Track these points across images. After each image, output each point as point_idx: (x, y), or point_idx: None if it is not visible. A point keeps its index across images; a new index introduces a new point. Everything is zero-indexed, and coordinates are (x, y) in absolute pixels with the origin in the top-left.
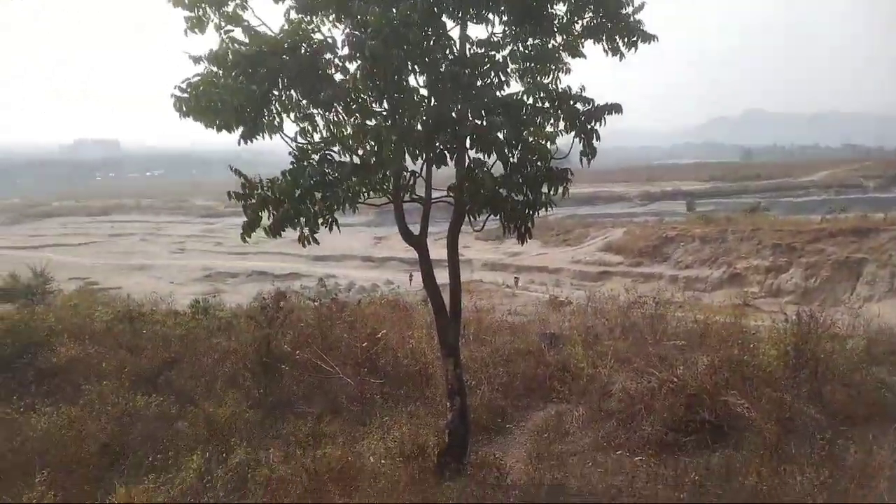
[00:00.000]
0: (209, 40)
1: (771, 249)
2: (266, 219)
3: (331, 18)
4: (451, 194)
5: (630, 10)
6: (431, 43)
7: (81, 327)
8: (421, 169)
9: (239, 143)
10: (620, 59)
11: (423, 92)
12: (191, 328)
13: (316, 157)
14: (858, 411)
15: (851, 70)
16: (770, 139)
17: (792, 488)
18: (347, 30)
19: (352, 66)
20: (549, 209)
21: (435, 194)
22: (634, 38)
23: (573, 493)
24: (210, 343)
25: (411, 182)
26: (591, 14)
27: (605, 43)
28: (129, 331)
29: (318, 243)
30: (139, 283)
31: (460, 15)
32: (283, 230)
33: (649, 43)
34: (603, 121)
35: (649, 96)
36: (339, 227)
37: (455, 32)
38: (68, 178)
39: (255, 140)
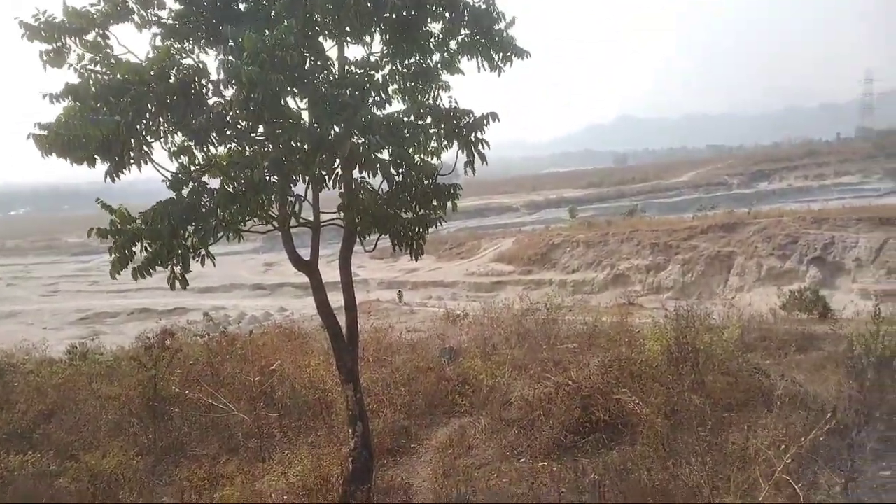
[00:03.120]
0: (68, 74)
1: (650, 249)
2: (139, 253)
3: (201, 44)
4: (339, 216)
5: (503, 25)
6: (309, 65)
7: None
8: (305, 192)
9: (105, 180)
10: (499, 74)
11: (304, 115)
12: (68, 376)
13: (190, 186)
14: (737, 397)
15: (720, 74)
16: (642, 143)
17: (681, 480)
18: (220, 55)
19: (227, 92)
20: (440, 224)
21: (324, 217)
22: (509, 54)
23: None
24: (91, 390)
25: (296, 206)
26: (465, 31)
27: (480, 59)
28: None
29: (186, 286)
30: (8, 332)
31: (338, 35)
32: (154, 269)
33: (523, 58)
34: (483, 130)
35: (529, 107)
36: (213, 261)
37: (333, 53)
38: None
39: (122, 175)
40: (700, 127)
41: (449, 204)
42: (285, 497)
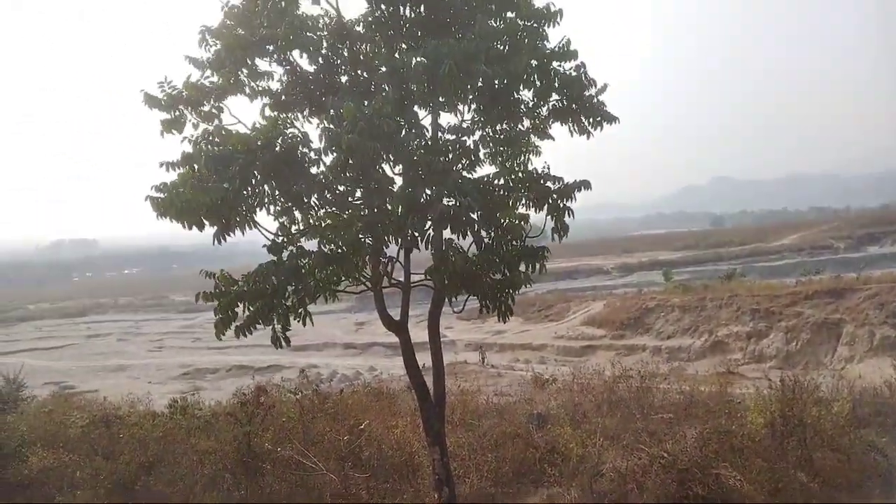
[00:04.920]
0: (182, 143)
1: (750, 315)
2: (242, 313)
3: (305, 114)
4: (428, 277)
5: (594, 91)
6: (404, 133)
7: (55, 434)
8: (398, 254)
9: (214, 243)
10: (588, 138)
11: (398, 179)
12: (168, 429)
13: (290, 248)
14: (849, 476)
15: (824, 133)
16: (738, 205)
17: None
18: (322, 124)
19: (327, 159)
20: (527, 286)
21: (415, 278)
22: (599, 119)
23: None
24: (189, 444)
25: (389, 268)
26: (556, 97)
27: (571, 124)
28: (106, 435)
29: (289, 344)
30: (116, 385)
31: (431, 105)
32: (253, 329)
33: (612, 123)
34: (573, 197)
35: (620, 168)
36: (311, 321)
37: (427, 121)
38: (44, 280)
39: (227, 238)
40: (801, 188)
41: (537, 266)
42: None
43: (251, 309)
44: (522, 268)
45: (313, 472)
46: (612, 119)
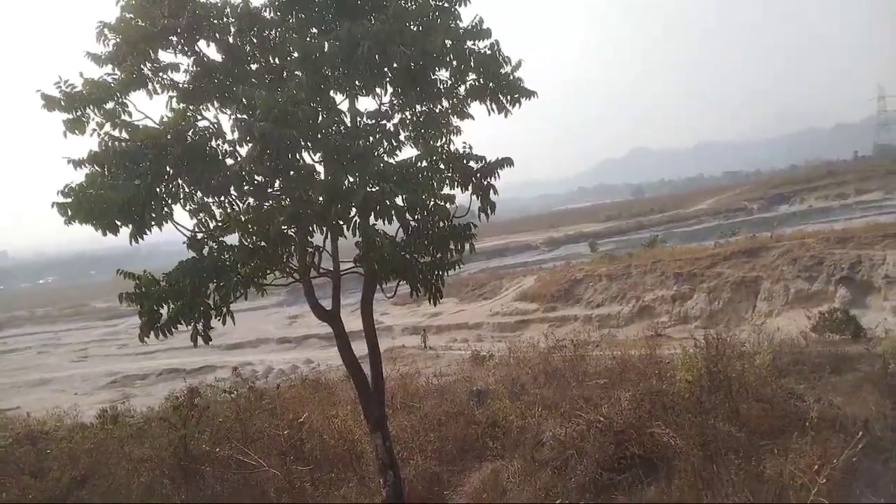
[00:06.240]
0: (90, 140)
1: (673, 279)
2: (166, 314)
3: (215, 105)
4: (358, 265)
5: (509, 68)
6: (321, 119)
7: None
8: (324, 243)
9: (130, 243)
10: (506, 115)
11: (318, 167)
12: (100, 440)
13: (210, 244)
14: (773, 424)
15: (731, 100)
16: (656, 174)
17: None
18: (234, 115)
19: (242, 150)
20: (458, 266)
21: (344, 266)
22: (516, 95)
23: None
24: (123, 453)
25: (316, 258)
26: (473, 77)
27: (489, 103)
28: (32, 452)
29: (209, 341)
30: (40, 400)
31: (348, 89)
32: (174, 329)
33: (530, 98)
34: (497, 175)
35: (542, 146)
36: (233, 320)
37: (344, 105)
38: None
39: (143, 237)
40: (714, 154)
41: (466, 245)
42: None
43: (172, 308)
44: (452, 247)
45: (255, 469)
46: (529, 94)
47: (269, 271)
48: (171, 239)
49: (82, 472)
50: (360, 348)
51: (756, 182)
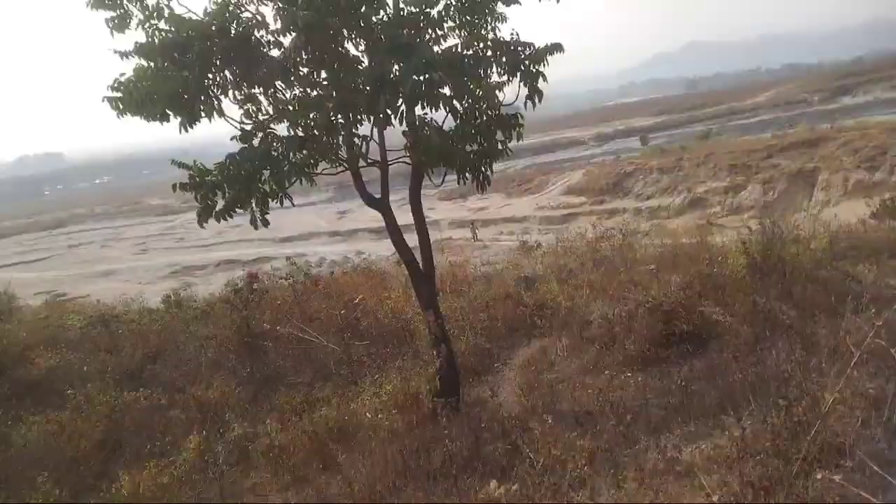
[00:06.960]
0: (137, 37)
1: (727, 171)
2: (223, 201)
3: None
4: (406, 154)
5: None
6: (364, 7)
7: (55, 337)
8: (371, 132)
9: (180, 132)
10: (557, 1)
11: (364, 57)
12: (167, 322)
13: (260, 135)
14: (827, 303)
15: None
16: (712, 68)
17: (770, 367)
18: (277, 4)
19: (286, 40)
20: (506, 156)
21: (391, 155)
22: None
23: (568, 413)
24: (189, 332)
25: (363, 147)
26: None
27: None
28: (105, 333)
29: (267, 224)
30: (107, 289)
31: None
32: (233, 213)
33: None
34: (546, 62)
35: (593, 39)
36: (291, 201)
37: None
38: (15, 196)
39: (194, 126)
40: (774, 47)
41: (514, 134)
42: (379, 415)
43: (229, 194)
44: (499, 136)
45: (314, 344)
46: None
47: (318, 160)
48: (219, 140)
49: (153, 350)
50: (409, 239)
51: (818, 74)
